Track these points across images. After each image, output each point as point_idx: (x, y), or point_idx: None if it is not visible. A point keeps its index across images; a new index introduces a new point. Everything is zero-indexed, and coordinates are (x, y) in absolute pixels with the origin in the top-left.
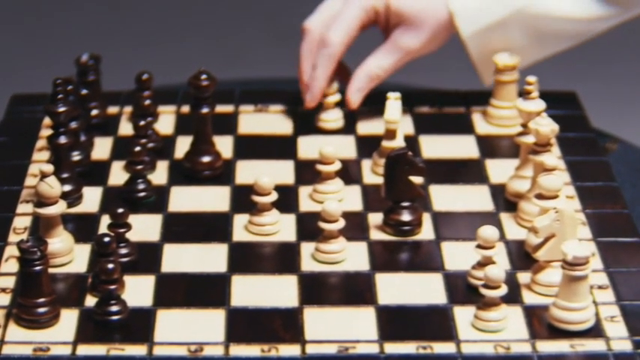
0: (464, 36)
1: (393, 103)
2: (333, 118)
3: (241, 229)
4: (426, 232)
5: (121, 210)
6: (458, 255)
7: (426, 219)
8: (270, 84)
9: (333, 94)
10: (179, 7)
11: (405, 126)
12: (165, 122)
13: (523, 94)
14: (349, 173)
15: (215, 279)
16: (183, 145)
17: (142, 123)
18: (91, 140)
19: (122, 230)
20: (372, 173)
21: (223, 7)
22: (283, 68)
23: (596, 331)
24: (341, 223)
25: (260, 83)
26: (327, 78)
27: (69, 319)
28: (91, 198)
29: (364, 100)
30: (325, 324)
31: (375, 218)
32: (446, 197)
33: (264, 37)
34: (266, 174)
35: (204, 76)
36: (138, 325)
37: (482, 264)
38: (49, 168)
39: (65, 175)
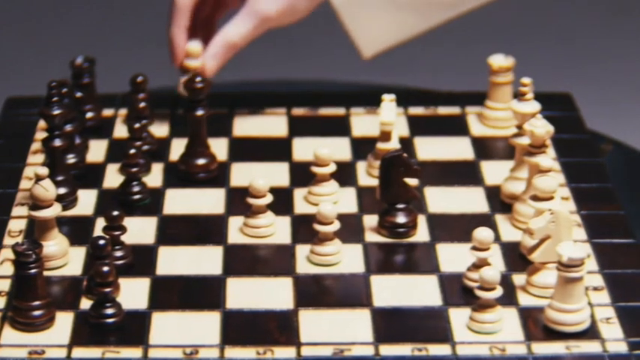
0: (334, 3)
1: (388, 104)
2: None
3: (236, 231)
4: (422, 234)
5: (116, 212)
6: (453, 257)
7: (421, 221)
8: (265, 86)
9: (196, 58)
10: None
11: (400, 127)
12: (160, 125)
13: (518, 95)
14: (344, 175)
15: (210, 281)
16: (178, 148)
17: (137, 125)
18: (86, 143)
19: (117, 233)
20: (367, 175)
21: None
22: (278, 70)
23: (591, 333)
24: (336, 225)
25: (255, 85)
26: (177, 35)
27: (64, 321)
28: (86, 201)
29: (359, 101)
30: (320, 326)
31: (371, 220)
32: (441, 199)
33: (259, 40)
34: (261, 176)
35: (198, 79)
36: (133, 328)
37: (477, 266)
38: (44, 171)
39: (60, 178)
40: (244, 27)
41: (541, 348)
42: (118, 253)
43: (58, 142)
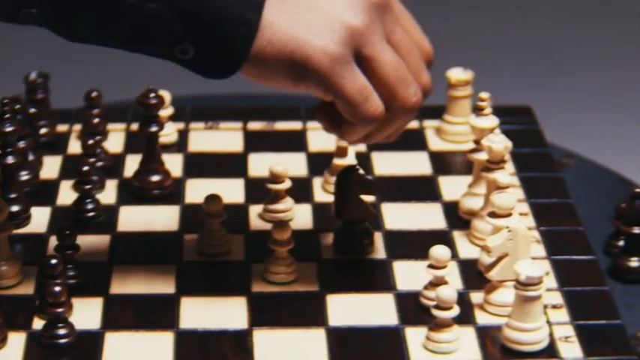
0: None
1: None
2: (166, 132)
3: (191, 249)
4: (378, 251)
5: (68, 231)
6: (410, 275)
7: (378, 238)
8: (220, 100)
9: (166, 108)
10: None
11: None
12: (114, 140)
13: (476, 110)
14: (300, 191)
15: (164, 300)
16: (132, 164)
17: (91, 142)
18: (39, 159)
19: (70, 252)
20: (323, 191)
21: None
22: (234, 84)
23: (550, 352)
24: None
25: (211, 99)
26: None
27: (16, 342)
28: (40, 218)
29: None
30: (275, 346)
31: (327, 238)
32: (398, 215)
33: None
34: (217, 194)
35: (152, 95)
36: (86, 348)
37: (434, 284)
38: None
39: (13, 196)
40: None
41: None
42: (71, 272)
43: (10, 160)
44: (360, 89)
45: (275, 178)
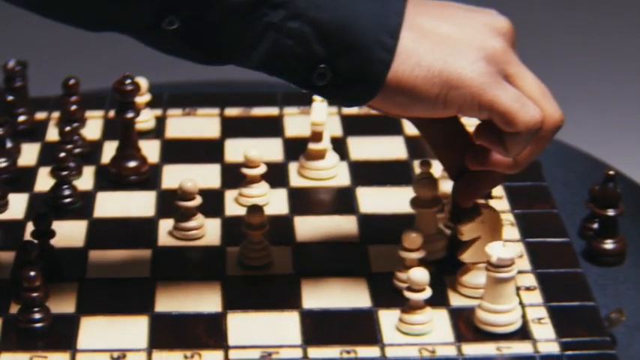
0: None
1: (319, 105)
2: (143, 119)
3: (166, 234)
4: (352, 235)
5: (43, 217)
6: (384, 258)
7: (352, 221)
8: (198, 87)
9: (143, 95)
10: None
11: (334, 128)
12: (92, 127)
13: None
14: (276, 176)
15: (139, 285)
16: (110, 150)
17: (68, 129)
18: (17, 147)
19: (45, 237)
20: (299, 176)
21: None
22: (212, 71)
23: (522, 334)
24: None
25: (188, 86)
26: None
27: None
28: (17, 204)
29: (293, 102)
30: (249, 329)
31: (301, 222)
32: (373, 199)
33: None
34: (191, 178)
35: (128, 81)
36: (61, 333)
37: (406, 267)
38: None
39: None
40: None
41: (471, 349)
42: (46, 257)
43: None
44: (516, 97)
45: (249, 163)
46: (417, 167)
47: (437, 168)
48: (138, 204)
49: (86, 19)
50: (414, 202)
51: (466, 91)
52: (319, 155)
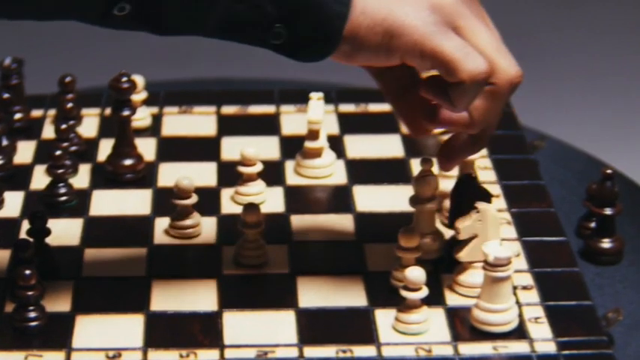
0: None
1: (316, 103)
2: (140, 117)
3: (162, 232)
4: (349, 233)
5: (38, 215)
6: (380, 256)
7: (348, 219)
8: (194, 85)
9: (139, 93)
10: None
11: (330, 126)
12: (88, 125)
13: None
14: (273, 174)
15: (135, 283)
16: (106, 148)
17: (64, 126)
18: (13, 144)
19: (41, 236)
20: (295, 174)
21: None
22: (208, 68)
23: (519, 333)
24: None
25: (185, 84)
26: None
27: None
28: (13, 203)
29: (290, 99)
30: (245, 328)
31: (297, 220)
32: (369, 197)
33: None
34: (187, 176)
35: (124, 79)
36: (56, 332)
37: (403, 265)
38: None
39: None
40: None
41: (468, 348)
42: (42, 256)
43: None
44: (459, 46)
45: (246, 161)
46: (418, 165)
47: (434, 165)
48: (134, 202)
49: (37, 7)
50: (413, 200)
51: (409, 38)
52: (316, 153)
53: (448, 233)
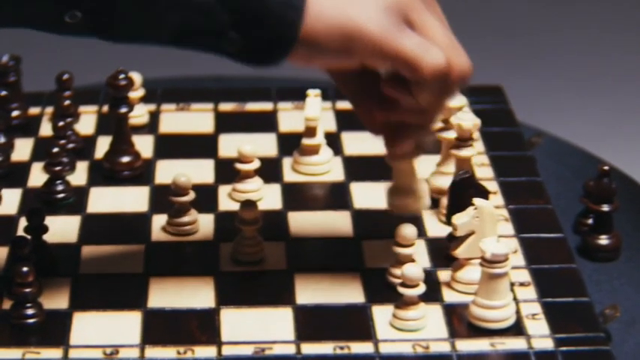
0: None
1: (313, 99)
2: (137, 114)
3: (159, 229)
4: (346, 230)
5: (36, 212)
6: (377, 253)
7: (346, 216)
8: (192, 82)
9: (137, 90)
10: None
11: (328, 123)
12: (86, 122)
13: None
14: (270, 171)
15: (132, 280)
16: (103, 146)
17: (61, 124)
18: (11, 142)
19: (38, 233)
20: (293, 171)
21: None
22: (206, 65)
23: (516, 329)
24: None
25: (182, 81)
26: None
27: None
28: (11, 200)
29: (287, 97)
30: (242, 325)
31: (295, 217)
32: (366, 194)
33: None
34: (184, 173)
35: (122, 76)
36: (54, 328)
37: (400, 262)
38: None
39: None
40: None
41: (465, 345)
42: (40, 253)
43: None
44: (419, 43)
45: (243, 158)
46: None
47: (432, 162)
48: (131, 199)
49: None
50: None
51: (368, 41)
52: (313, 150)
53: (445, 230)
